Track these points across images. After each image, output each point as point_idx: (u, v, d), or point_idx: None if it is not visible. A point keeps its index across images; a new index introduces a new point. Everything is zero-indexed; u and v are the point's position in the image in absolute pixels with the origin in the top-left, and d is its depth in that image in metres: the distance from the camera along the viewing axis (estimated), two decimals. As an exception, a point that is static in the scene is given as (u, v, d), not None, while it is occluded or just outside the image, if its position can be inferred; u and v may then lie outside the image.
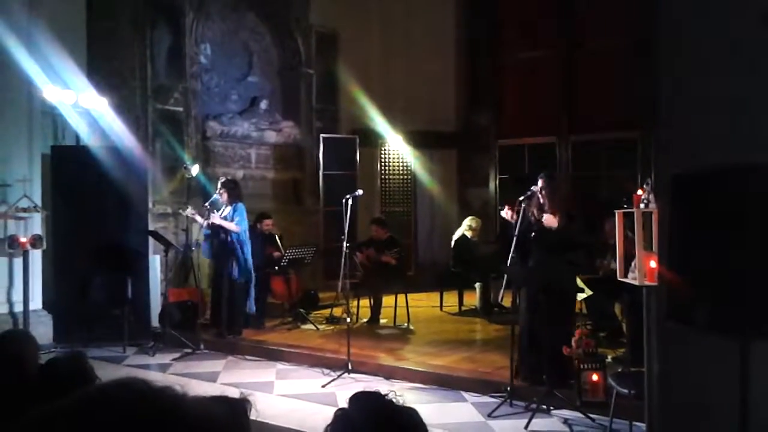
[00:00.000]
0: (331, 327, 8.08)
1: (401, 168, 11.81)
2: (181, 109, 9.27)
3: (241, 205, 7.52)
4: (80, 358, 2.69)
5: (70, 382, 2.54)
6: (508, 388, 5.29)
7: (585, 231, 6.08)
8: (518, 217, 5.43)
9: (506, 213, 5.59)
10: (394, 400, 1.81)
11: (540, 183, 5.52)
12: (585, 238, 6.52)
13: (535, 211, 5.50)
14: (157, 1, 8.97)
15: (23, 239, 7.22)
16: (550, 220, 5.42)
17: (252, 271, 7.62)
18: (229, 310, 7.50)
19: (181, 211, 7.73)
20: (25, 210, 7.33)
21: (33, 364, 2.82)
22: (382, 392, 1.88)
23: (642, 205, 3.79)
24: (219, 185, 7.59)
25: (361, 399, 1.86)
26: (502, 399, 5.30)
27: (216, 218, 7.40)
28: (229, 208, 7.49)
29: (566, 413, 5.05)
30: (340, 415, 1.78)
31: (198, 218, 7.59)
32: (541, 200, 5.50)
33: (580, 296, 6.45)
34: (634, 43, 9.87)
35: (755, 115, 2.72)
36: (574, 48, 11.12)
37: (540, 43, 11.38)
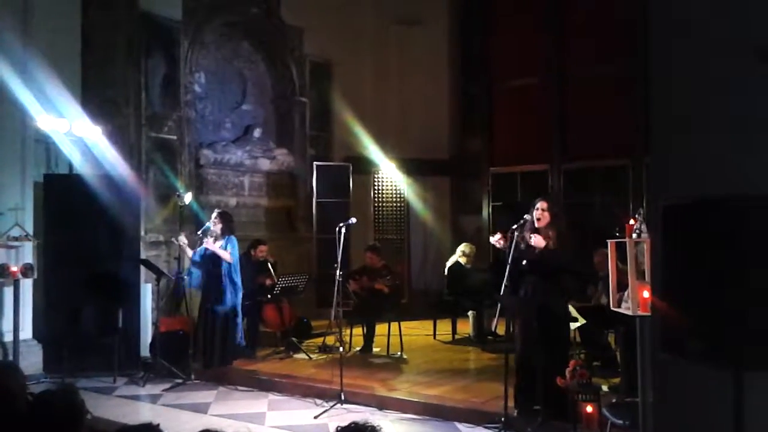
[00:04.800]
0: (324, 356, 8.02)
1: (394, 195, 11.84)
2: (174, 137, 9.29)
3: (233, 239, 7.51)
4: (72, 392, 2.66)
5: (61, 416, 2.51)
6: (503, 419, 5.24)
7: (577, 258, 6.06)
8: (511, 245, 5.40)
9: (497, 240, 5.56)
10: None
11: (543, 204, 5.50)
12: (577, 265, 6.51)
13: (526, 236, 5.48)
14: (151, 29, 9.02)
15: (14, 268, 7.17)
16: (538, 240, 5.39)
17: (239, 305, 7.56)
18: (220, 342, 7.43)
19: (174, 239, 7.69)
20: (16, 239, 7.29)
21: (20, 396, 2.78)
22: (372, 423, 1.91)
23: (634, 235, 3.80)
24: (215, 215, 7.56)
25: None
26: (497, 430, 5.25)
27: (209, 243, 7.37)
28: (221, 241, 7.46)
29: (561, 444, 5.01)
30: None
31: (188, 250, 7.56)
32: (536, 223, 5.48)
33: (574, 325, 6.43)
34: (626, 71, 9.99)
35: (748, 143, 2.74)
36: (566, 76, 11.23)
37: (532, 71, 11.49)
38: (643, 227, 3.77)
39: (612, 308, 4.07)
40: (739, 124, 2.74)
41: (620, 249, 4.11)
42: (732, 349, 2.22)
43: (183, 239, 7.53)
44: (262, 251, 8.53)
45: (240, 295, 7.53)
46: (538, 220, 5.45)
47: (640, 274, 3.74)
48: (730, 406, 2.29)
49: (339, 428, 1.93)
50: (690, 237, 2.38)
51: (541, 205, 5.49)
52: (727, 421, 2.30)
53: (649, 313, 3.55)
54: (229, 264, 7.41)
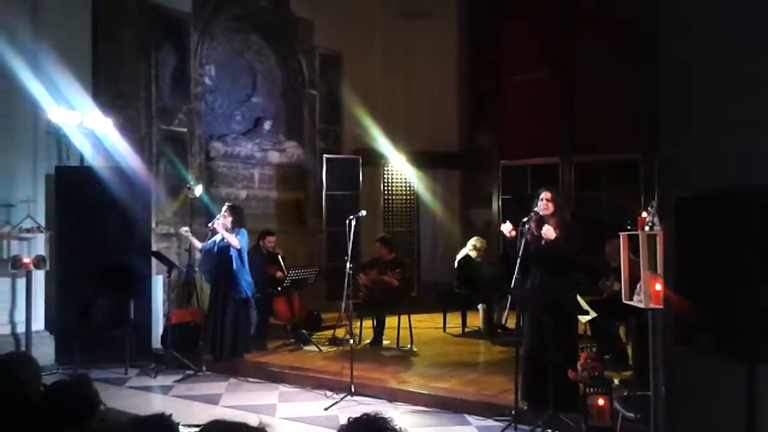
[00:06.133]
0: (334, 348, 8.04)
1: (404, 188, 11.82)
2: (185, 129, 9.32)
3: (243, 231, 7.51)
4: (86, 383, 2.68)
5: (75, 406, 2.53)
6: (513, 412, 5.24)
7: (586, 249, 6.04)
8: (520, 238, 5.40)
9: (507, 228, 5.55)
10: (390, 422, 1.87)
11: (546, 194, 5.50)
12: (586, 257, 6.49)
13: (533, 227, 5.47)
14: (162, 22, 9.04)
15: (26, 260, 7.21)
16: (549, 231, 5.40)
17: (252, 293, 7.57)
18: (230, 334, 7.45)
19: (181, 230, 7.66)
20: (28, 230, 7.33)
21: (35, 386, 2.81)
22: (383, 415, 1.92)
23: (647, 228, 3.78)
24: (225, 208, 7.56)
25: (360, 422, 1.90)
26: (507, 423, 5.24)
27: (219, 225, 7.36)
28: (231, 235, 7.45)
29: (571, 437, 5.00)
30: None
31: (195, 241, 7.55)
32: (542, 213, 5.49)
33: (585, 318, 6.41)
34: (636, 64, 9.91)
35: (759, 136, 2.72)
36: (576, 69, 11.17)
37: (542, 64, 11.43)
38: (656, 220, 3.75)
39: (624, 300, 4.05)
40: (750, 117, 2.73)
41: (633, 241, 4.09)
42: (745, 342, 2.21)
43: (185, 229, 7.52)
44: (270, 242, 8.55)
45: (251, 284, 7.53)
46: (543, 209, 5.46)
47: (653, 267, 3.72)
48: (743, 399, 2.28)
49: (351, 419, 1.93)
50: (703, 230, 2.36)
51: (545, 195, 5.50)
52: (739, 414, 2.29)
53: (661, 306, 3.54)
54: (239, 254, 7.41)
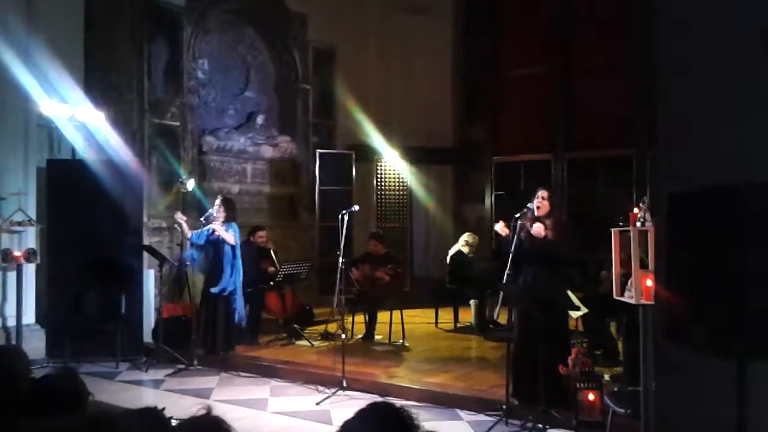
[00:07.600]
0: (326, 343, 8.05)
1: (397, 183, 11.82)
2: (177, 123, 9.27)
3: (235, 225, 7.50)
4: (71, 375, 2.66)
5: (61, 399, 2.52)
6: (504, 407, 5.26)
7: (580, 248, 6.07)
8: (513, 233, 5.42)
9: (500, 227, 5.59)
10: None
11: (543, 193, 5.53)
12: (580, 254, 6.51)
13: (528, 225, 5.50)
14: (155, 15, 8.99)
15: (17, 253, 7.17)
16: (539, 229, 5.42)
17: (238, 286, 7.53)
18: (222, 328, 7.43)
19: (176, 215, 7.61)
20: (19, 223, 7.29)
21: (24, 380, 2.79)
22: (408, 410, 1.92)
23: (638, 224, 3.79)
24: (218, 202, 7.55)
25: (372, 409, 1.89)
26: (498, 418, 5.26)
27: (217, 225, 7.36)
28: (222, 227, 7.44)
29: (562, 433, 5.02)
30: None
31: (186, 229, 7.53)
32: (536, 212, 5.51)
33: (576, 314, 6.43)
34: (630, 62, 9.94)
35: (752, 134, 2.72)
36: (570, 66, 11.18)
37: (537, 61, 11.44)
38: (647, 216, 3.77)
39: (615, 296, 4.07)
40: (743, 114, 2.73)
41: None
42: (736, 338, 2.22)
43: (180, 215, 7.49)
44: (261, 237, 8.55)
45: (240, 278, 7.52)
46: (538, 208, 5.53)
47: (644, 263, 3.74)
48: (732, 396, 2.29)
49: (371, 404, 1.91)
50: (695, 226, 2.37)
51: (542, 193, 5.55)
52: (729, 409, 2.30)
53: (652, 302, 3.55)
54: (232, 248, 7.41)
